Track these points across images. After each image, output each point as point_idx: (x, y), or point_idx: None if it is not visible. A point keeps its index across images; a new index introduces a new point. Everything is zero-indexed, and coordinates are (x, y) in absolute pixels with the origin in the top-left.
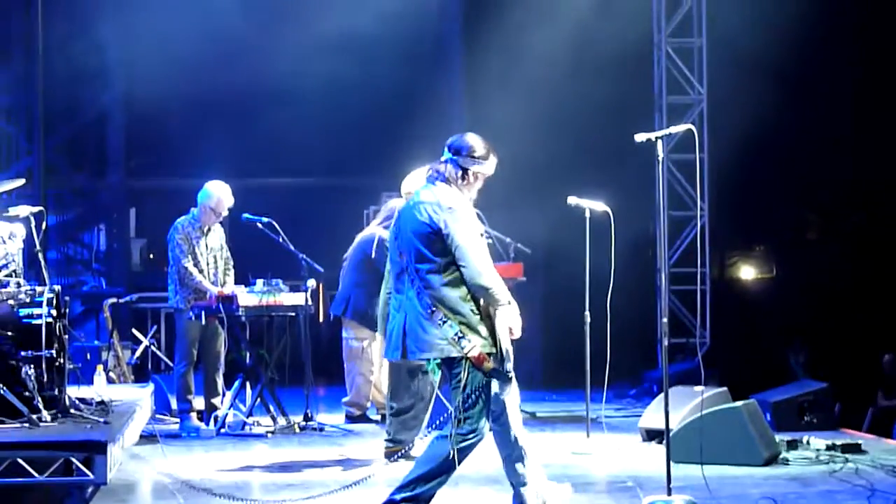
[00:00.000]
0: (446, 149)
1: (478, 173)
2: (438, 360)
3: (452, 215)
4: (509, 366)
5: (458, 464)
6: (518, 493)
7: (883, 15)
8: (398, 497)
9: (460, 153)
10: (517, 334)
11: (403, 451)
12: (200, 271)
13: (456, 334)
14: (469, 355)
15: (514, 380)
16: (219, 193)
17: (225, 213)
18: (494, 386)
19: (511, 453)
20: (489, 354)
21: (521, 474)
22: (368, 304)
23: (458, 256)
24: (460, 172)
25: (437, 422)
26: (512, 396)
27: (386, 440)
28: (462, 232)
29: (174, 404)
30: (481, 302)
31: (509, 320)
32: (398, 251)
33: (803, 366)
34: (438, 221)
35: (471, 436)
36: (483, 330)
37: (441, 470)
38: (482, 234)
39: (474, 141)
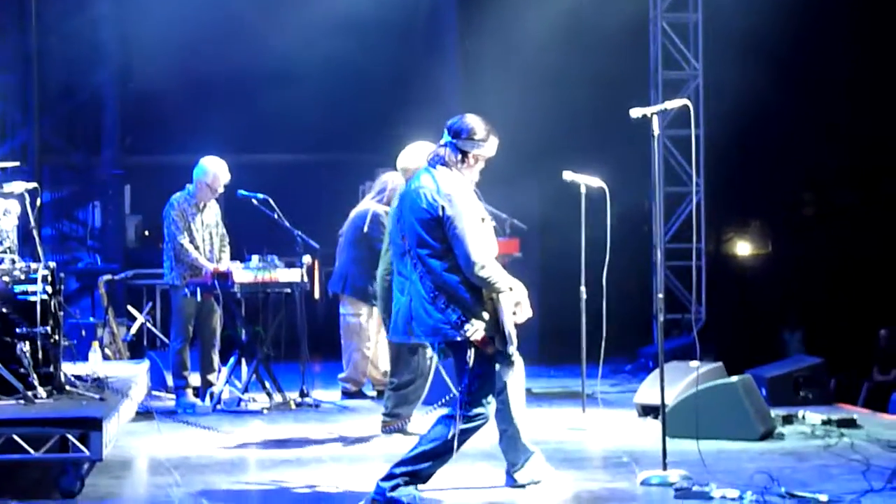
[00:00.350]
0: (446, 131)
1: (478, 156)
2: (443, 345)
3: (451, 202)
4: (512, 349)
5: (460, 446)
6: (511, 469)
7: None
8: (398, 471)
9: (460, 135)
10: (525, 315)
11: (399, 424)
12: (196, 248)
13: (458, 318)
14: (472, 339)
15: (519, 358)
16: (215, 169)
17: (221, 189)
18: (498, 368)
19: (508, 429)
20: (492, 338)
21: (516, 451)
22: (366, 279)
23: (454, 245)
24: (460, 156)
25: (443, 401)
26: (516, 374)
27: (384, 414)
28: (459, 219)
29: (170, 381)
30: (483, 289)
31: (514, 302)
32: (400, 234)
33: (799, 342)
34: (437, 208)
35: (476, 419)
36: (485, 314)
37: (443, 450)
38: (483, 219)
39: (474, 122)
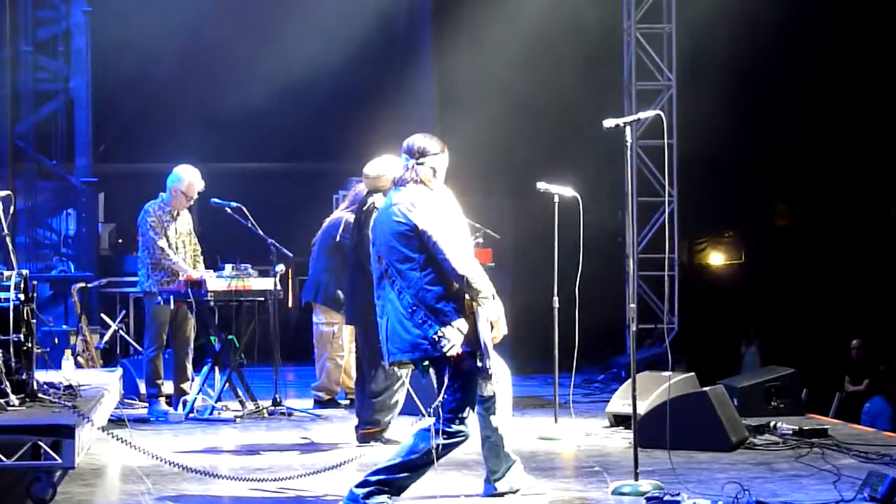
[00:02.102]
0: (406, 154)
1: (442, 169)
2: (425, 362)
3: (427, 212)
4: (489, 363)
5: (437, 460)
6: (490, 476)
7: (855, 4)
8: (373, 479)
9: (426, 154)
10: (501, 333)
11: (378, 433)
12: (174, 253)
13: (435, 333)
14: (448, 355)
15: (506, 367)
16: (189, 177)
17: (195, 196)
18: (478, 385)
19: (491, 436)
20: (470, 353)
21: (497, 459)
22: (339, 287)
23: (435, 251)
24: (433, 172)
25: (426, 413)
26: (503, 382)
27: (365, 423)
28: (438, 226)
29: (143, 389)
30: (464, 299)
31: (491, 317)
32: (376, 255)
33: (753, 355)
34: (414, 219)
35: (457, 435)
36: (464, 327)
37: (420, 463)
38: (471, 233)
39: (431, 139)
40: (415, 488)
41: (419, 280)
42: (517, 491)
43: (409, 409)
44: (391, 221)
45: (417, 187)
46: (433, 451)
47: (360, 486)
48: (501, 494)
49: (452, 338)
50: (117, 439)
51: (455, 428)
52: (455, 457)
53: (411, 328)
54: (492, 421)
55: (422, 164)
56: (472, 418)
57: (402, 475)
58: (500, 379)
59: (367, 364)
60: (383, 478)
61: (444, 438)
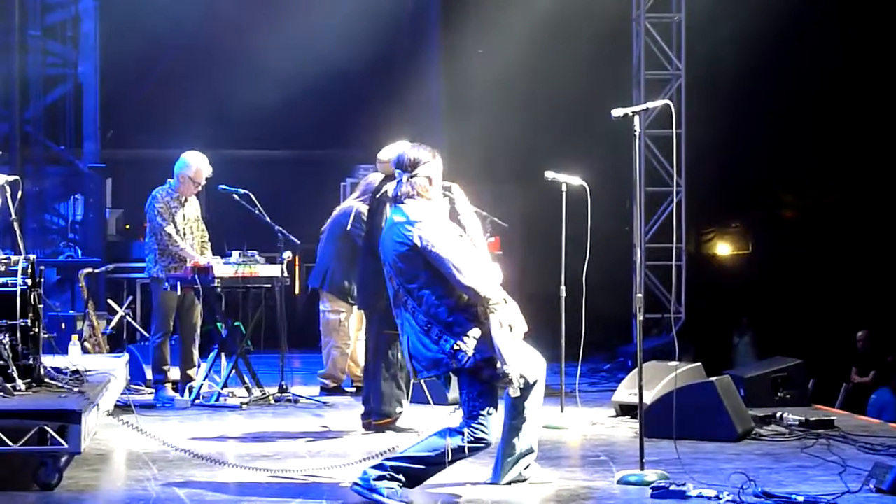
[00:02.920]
0: (399, 169)
1: (437, 175)
2: (446, 374)
3: (424, 227)
4: (507, 368)
5: (453, 462)
6: (502, 460)
7: None
8: (389, 464)
9: (418, 164)
10: (521, 331)
11: (390, 422)
12: (182, 240)
13: (451, 348)
14: (466, 367)
15: (541, 356)
16: (197, 163)
17: (203, 182)
18: (501, 391)
19: (515, 420)
20: (486, 361)
21: (515, 444)
22: (346, 277)
23: (439, 265)
24: (428, 181)
25: (454, 409)
26: (538, 371)
27: (377, 414)
28: (439, 241)
29: (149, 375)
30: (475, 308)
31: (506, 321)
32: (388, 276)
33: (747, 345)
34: (413, 237)
35: (479, 441)
36: (480, 336)
37: (435, 461)
38: (461, 235)
39: (421, 148)
40: None
41: (428, 297)
42: (524, 480)
43: (417, 398)
44: (394, 243)
45: (416, 202)
46: (449, 454)
47: (375, 467)
48: (508, 483)
49: (469, 349)
50: (127, 424)
51: (478, 434)
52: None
53: (430, 345)
54: (521, 406)
55: (415, 175)
56: (494, 424)
57: (416, 468)
58: (537, 368)
59: (373, 353)
60: (399, 465)
61: (466, 442)
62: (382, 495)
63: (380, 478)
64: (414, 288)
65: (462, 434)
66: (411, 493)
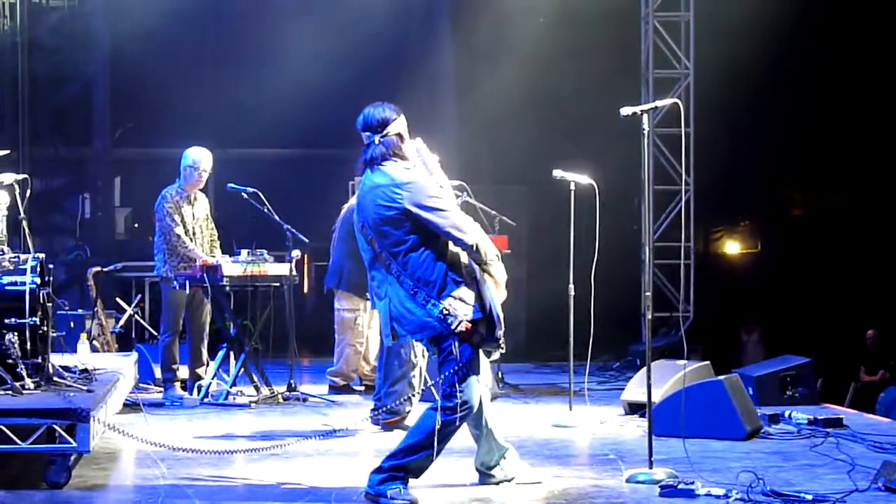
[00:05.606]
0: (369, 133)
1: (405, 131)
2: (430, 337)
3: (413, 188)
4: (500, 333)
5: (448, 438)
6: (481, 465)
7: None
8: (386, 465)
9: (387, 124)
10: (502, 296)
11: (399, 421)
12: (191, 239)
13: (441, 312)
14: (457, 331)
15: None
16: (196, 153)
17: (207, 170)
18: (488, 354)
19: (479, 430)
20: (477, 323)
21: (489, 447)
22: (361, 273)
23: (434, 227)
24: (399, 138)
25: (426, 389)
26: (485, 369)
27: (386, 412)
28: (432, 202)
29: (158, 373)
30: (463, 269)
31: (500, 279)
32: (366, 239)
33: (755, 343)
34: (401, 200)
35: (463, 408)
36: (469, 298)
37: (429, 442)
38: (441, 186)
39: (383, 106)
40: (430, 476)
41: (415, 261)
42: (512, 479)
43: (426, 397)
44: (377, 206)
45: (395, 164)
46: (439, 430)
47: (376, 471)
48: (497, 483)
49: (458, 312)
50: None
51: (460, 401)
52: (471, 445)
53: (415, 309)
54: (481, 419)
55: (386, 135)
56: (476, 390)
57: (413, 458)
58: (484, 369)
59: (385, 351)
60: (395, 463)
61: (450, 414)
62: (387, 497)
63: (382, 481)
64: (400, 251)
65: (448, 407)
66: (415, 493)
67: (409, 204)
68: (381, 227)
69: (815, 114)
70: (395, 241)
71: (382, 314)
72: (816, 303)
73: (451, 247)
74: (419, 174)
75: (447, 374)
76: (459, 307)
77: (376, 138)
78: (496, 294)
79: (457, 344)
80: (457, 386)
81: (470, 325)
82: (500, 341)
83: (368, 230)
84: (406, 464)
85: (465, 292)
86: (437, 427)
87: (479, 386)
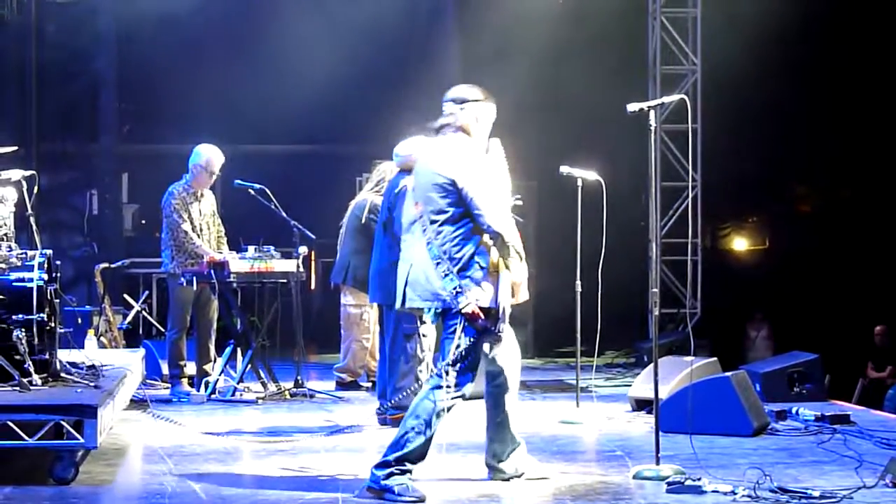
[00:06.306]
0: (450, 103)
1: (485, 118)
2: (439, 310)
3: (466, 165)
4: (502, 326)
5: (439, 418)
6: (491, 459)
7: None
8: (390, 458)
9: (467, 101)
10: (522, 297)
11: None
12: (198, 236)
13: (455, 288)
14: (463, 311)
15: (516, 347)
16: (208, 153)
17: (217, 172)
18: (486, 347)
19: (498, 416)
20: (486, 312)
21: (503, 441)
22: (368, 269)
23: (471, 205)
24: (474, 118)
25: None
26: (512, 363)
27: (394, 407)
28: (476, 180)
29: (165, 370)
30: (490, 259)
31: (516, 278)
32: (414, 201)
33: (764, 339)
34: (453, 172)
35: (456, 389)
36: (487, 286)
37: (426, 425)
38: (511, 196)
39: (474, 87)
40: (436, 470)
41: (448, 234)
42: (522, 475)
43: None
44: (430, 172)
45: (457, 136)
46: (436, 412)
47: (379, 466)
48: (507, 479)
49: (471, 294)
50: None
51: (453, 383)
52: (458, 439)
53: (433, 279)
54: (501, 400)
55: (462, 109)
56: (472, 383)
57: (413, 444)
58: (512, 358)
59: (391, 346)
60: (398, 453)
61: (443, 395)
62: (394, 493)
63: (388, 475)
64: (437, 220)
65: (441, 387)
66: (422, 487)
67: (457, 176)
68: (429, 192)
69: (822, 109)
70: (437, 210)
71: (399, 278)
72: (824, 299)
73: (487, 237)
74: (477, 154)
75: (446, 352)
76: (474, 290)
77: (454, 109)
78: (512, 290)
79: (461, 325)
80: (452, 367)
81: (479, 310)
82: (500, 335)
83: (419, 193)
84: (407, 452)
85: (485, 280)
86: (434, 407)
87: (512, 380)
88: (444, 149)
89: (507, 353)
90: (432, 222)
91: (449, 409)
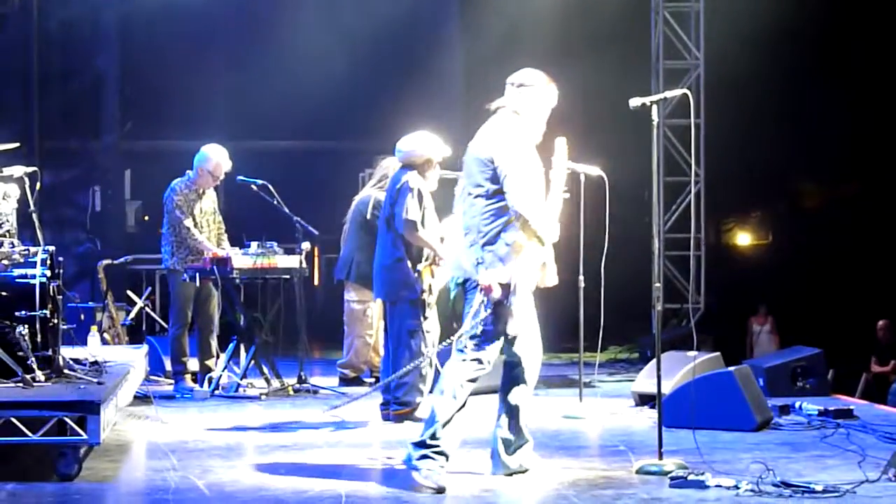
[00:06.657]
0: (509, 86)
1: (541, 103)
2: (459, 280)
3: (507, 144)
4: (514, 299)
5: (465, 392)
6: (499, 451)
7: None
8: (426, 434)
9: (525, 84)
10: (549, 280)
11: (410, 412)
12: (200, 232)
13: (477, 259)
14: (480, 283)
15: (539, 346)
16: (217, 157)
17: (222, 176)
18: (509, 327)
19: (511, 408)
20: (502, 286)
21: (514, 433)
22: (371, 265)
23: (505, 186)
24: (528, 101)
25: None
26: (533, 360)
27: (397, 403)
28: (512, 161)
29: (168, 366)
30: (519, 240)
31: (537, 260)
32: (465, 174)
33: (767, 333)
34: (493, 150)
35: (478, 363)
36: (510, 264)
37: (451, 400)
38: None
39: (536, 72)
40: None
41: (479, 207)
42: (526, 471)
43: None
44: (478, 147)
45: (508, 115)
46: (460, 382)
47: (416, 445)
48: (509, 473)
49: (490, 267)
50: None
51: (474, 356)
52: (481, 436)
53: (461, 249)
54: (517, 391)
55: (520, 92)
56: (494, 355)
57: (443, 416)
58: (533, 353)
59: (394, 342)
60: (431, 430)
61: (464, 366)
62: (420, 474)
63: (422, 457)
64: (473, 193)
65: (464, 358)
66: (444, 478)
67: (496, 154)
68: (473, 164)
69: (825, 103)
70: (475, 183)
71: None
72: (827, 293)
73: None
74: (521, 136)
75: (468, 324)
76: (495, 264)
77: (512, 91)
78: (526, 270)
79: (480, 297)
80: (470, 339)
81: (490, 283)
82: (510, 308)
83: (465, 167)
84: (438, 426)
85: (510, 258)
86: (457, 378)
87: (530, 375)
88: (491, 127)
89: (529, 346)
90: (469, 194)
91: (472, 380)
